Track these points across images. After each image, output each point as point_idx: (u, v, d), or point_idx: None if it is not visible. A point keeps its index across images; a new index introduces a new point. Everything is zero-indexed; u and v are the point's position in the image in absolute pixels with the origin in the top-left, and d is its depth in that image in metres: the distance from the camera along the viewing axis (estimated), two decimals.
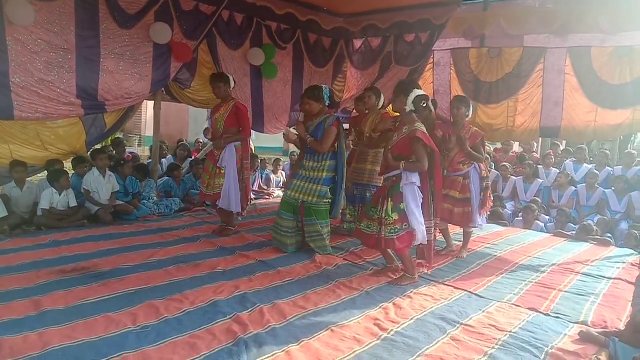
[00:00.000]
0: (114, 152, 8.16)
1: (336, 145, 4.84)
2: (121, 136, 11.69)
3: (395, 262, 4.41)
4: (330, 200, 4.88)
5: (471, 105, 5.11)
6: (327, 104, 4.83)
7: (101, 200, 5.83)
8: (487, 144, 9.90)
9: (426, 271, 4.26)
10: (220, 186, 5.34)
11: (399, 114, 4.29)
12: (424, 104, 4.06)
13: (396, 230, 4.01)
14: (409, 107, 4.04)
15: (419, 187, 4.02)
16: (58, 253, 4.43)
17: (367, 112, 5.65)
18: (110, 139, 8.64)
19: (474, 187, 5.04)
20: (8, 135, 5.39)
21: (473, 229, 5.28)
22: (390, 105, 4.31)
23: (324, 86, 4.91)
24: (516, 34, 7.84)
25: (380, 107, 5.67)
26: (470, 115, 5.11)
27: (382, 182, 4.39)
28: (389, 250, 4.34)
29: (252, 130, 7.38)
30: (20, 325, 2.87)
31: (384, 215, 4.03)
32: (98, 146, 7.01)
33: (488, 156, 8.27)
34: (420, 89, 4.16)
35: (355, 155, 5.74)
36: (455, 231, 5.55)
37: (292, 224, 4.87)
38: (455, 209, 5.03)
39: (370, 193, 5.58)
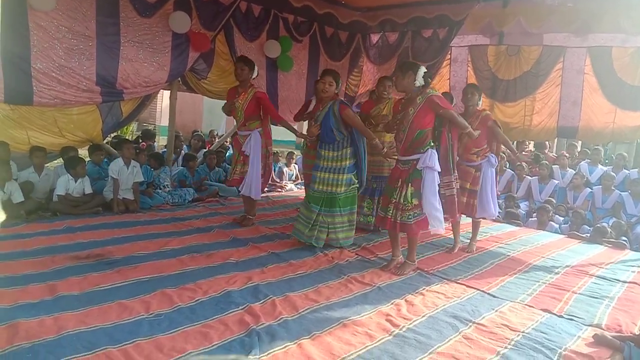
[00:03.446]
0: (141, 143, 8.24)
1: (351, 128, 4.75)
2: (153, 128, 11.80)
3: (399, 255, 4.44)
4: (356, 186, 4.87)
5: (481, 95, 5.13)
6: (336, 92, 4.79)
7: (121, 188, 5.82)
8: None
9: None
10: (243, 172, 5.40)
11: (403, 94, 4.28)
12: (429, 80, 4.19)
13: (415, 215, 4.10)
14: (419, 82, 4.07)
15: (438, 172, 4.08)
16: (73, 239, 4.48)
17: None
18: (128, 129, 8.70)
19: (486, 180, 5.07)
20: (26, 120, 5.44)
21: (481, 219, 5.33)
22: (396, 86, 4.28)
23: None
24: (535, 32, 7.75)
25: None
26: (480, 104, 5.10)
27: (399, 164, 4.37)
28: (399, 241, 4.43)
29: None
30: (36, 309, 2.91)
31: (402, 201, 4.09)
32: (128, 136, 7.03)
33: (503, 155, 8.20)
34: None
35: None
36: (465, 230, 5.54)
37: (314, 216, 4.77)
38: (461, 198, 5.01)
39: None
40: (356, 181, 4.87)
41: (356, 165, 4.85)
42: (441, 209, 4.15)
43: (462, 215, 5.17)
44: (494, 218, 5.33)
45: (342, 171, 4.75)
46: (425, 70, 4.13)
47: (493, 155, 5.10)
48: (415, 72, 4.05)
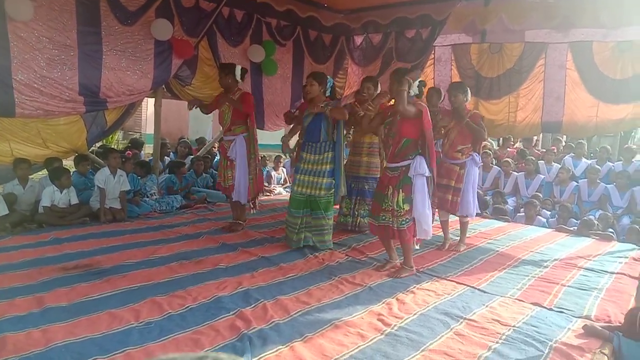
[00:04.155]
0: (127, 151, 8.19)
1: (334, 134, 4.82)
2: (140, 137, 11.75)
3: (396, 258, 4.44)
4: (333, 191, 4.87)
5: (468, 90, 5.09)
6: (327, 95, 4.82)
7: (108, 198, 5.77)
8: (489, 140, 9.92)
9: (416, 246, 4.35)
10: (232, 178, 5.38)
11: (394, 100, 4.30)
12: (423, 88, 4.22)
13: (407, 220, 4.11)
14: (413, 92, 4.09)
15: (427, 177, 4.09)
16: (60, 250, 4.43)
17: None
18: (113, 138, 8.62)
19: (469, 179, 5.08)
20: (8, 132, 5.37)
21: (468, 219, 5.31)
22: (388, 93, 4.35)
23: (329, 77, 4.92)
24: (517, 29, 7.84)
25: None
26: (469, 99, 5.12)
27: (381, 172, 4.41)
28: (393, 245, 4.41)
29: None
30: (23, 322, 2.87)
31: (396, 207, 4.11)
32: (114, 145, 7.00)
33: (489, 151, 8.26)
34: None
35: (349, 147, 5.76)
36: (454, 228, 5.57)
37: (298, 221, 4.84)
38: (447, 195, 5.08)
39: (369, 185, 5.63)
40: (333, 187, 4.87)
41: (334, 173, 4.84)
42: (430, 216, 4.18)
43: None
44: (472, 218, 5.33)
45: (322, 174, 4.78)
46: (420, 80, 4.16)
47: (477, 154, 5.13)
48: (412, 82, 4.09)
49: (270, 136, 11.66)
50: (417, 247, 4.40)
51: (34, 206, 5.54)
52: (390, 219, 4.17)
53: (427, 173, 4.08)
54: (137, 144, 9.05)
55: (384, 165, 4.43)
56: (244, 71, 5.47)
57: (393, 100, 4.31)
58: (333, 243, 5.06)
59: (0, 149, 5.37)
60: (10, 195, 5.35)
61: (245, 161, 5.36)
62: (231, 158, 5.36)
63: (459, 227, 5.43)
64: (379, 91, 5.62)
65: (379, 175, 5.31)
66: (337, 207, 5.82)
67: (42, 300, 3.21)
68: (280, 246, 4.92)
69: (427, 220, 4.12)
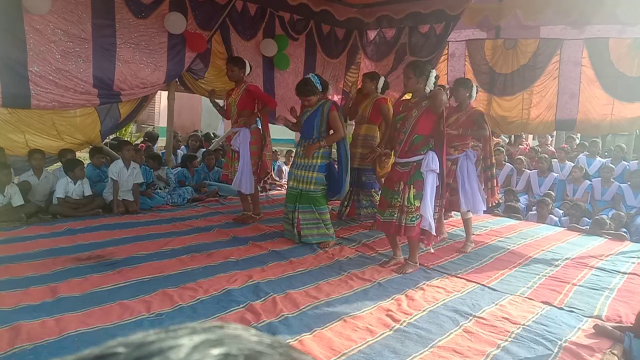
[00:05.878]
0: (140, 144, 8.29)
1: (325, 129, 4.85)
2: (153, 130, 11.85)
3: (401, 255, 4.43)
4: (325, 187, 4.87)
5: (473, 87, 4.96)
6: (321, 90, 4.85)
7: (121, 190, 5.82)
8: (501, 137, 9.84)
9: (425, 248, 4.34)
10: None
11: (410, 96, 4.25)
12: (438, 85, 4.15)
13: (417, 217, 4.08)
14: (430, 87, 4.04)
15: (437, 173, 4.06)
16: (73, 241, 4.49)
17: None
18: (127, 130, 8.67)
19: (462, 175, 4.93)
20: (24, 124, 5.45)
21: (470, 215, 5.12)
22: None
23: (310, 76, 4.91)
24: (532, 25, 7.74)
25: (380, 91, 5.69)
26: (474, 97, 4.99)
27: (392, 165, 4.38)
28: (398, 241, 4.41)
29: None
30: (37, 311, 2.92)
31: (406, 203, 4.06)
32: (127, 138, 7.07)
33: (501, 148, 8.21)
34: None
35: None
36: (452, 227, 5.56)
37: (291, 215, 4.91)
38: (446, 194, 4.93)
39: (366, 177, 5.72)
40: (325, 183, 4.87)
41: (328, 167, 4.86)
42: (432, 212, 4.11)
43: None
44: (480, 214, 5.20)
45: (312, 169, 4.79)
46: (436, 74, 4.09)
47: (471, 151, 5.00)
48: (428, 77, 4.02)
49: (281, 131, 11.67)
50: (431, 249, 4.40)
51: (48, 197, 5.61)
52: (397, 215, 4.12)
53: (438, 169, 4.04)
54: (151, 137, 9.12)
55: (392, 160, 4.39)
56: (250, 67, 5.64)
57: (409, 94, 4.25)
58: (343, 238, 5.07)
59: (15, 141, 5.45)
60: (25, 183, 5.43)
61: (247, 151, 5.44)
62: (233, 148, 5.48)
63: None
64: (380, 86, 5.67)
65: (369, 167, 5.47)
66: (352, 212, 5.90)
67: (55, 290, 3.26)
68: (290, 240, 4.94)
69: (431, 214, 4.07)
